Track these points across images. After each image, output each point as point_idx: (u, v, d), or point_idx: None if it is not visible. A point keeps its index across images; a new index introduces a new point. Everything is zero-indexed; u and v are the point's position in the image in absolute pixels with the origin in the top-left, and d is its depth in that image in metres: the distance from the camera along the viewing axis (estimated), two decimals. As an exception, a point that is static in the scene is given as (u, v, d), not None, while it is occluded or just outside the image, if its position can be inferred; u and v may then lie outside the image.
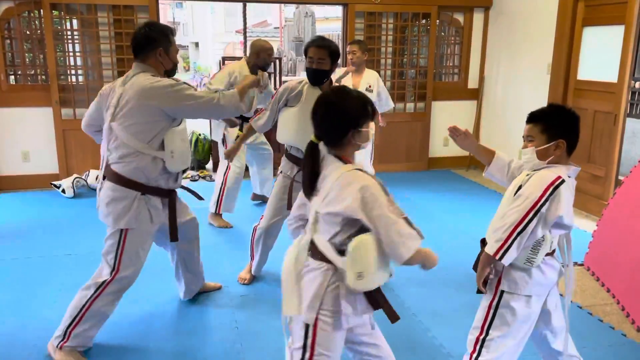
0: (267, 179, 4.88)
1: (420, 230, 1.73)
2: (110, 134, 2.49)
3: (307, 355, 1.74)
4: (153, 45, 2.52)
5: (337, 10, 6.37)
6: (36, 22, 5.28)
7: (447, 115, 6.29)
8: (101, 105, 2.59)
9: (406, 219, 1.69)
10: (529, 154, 1.95)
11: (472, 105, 6.46)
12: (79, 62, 5.48)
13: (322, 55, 2.97)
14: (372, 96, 4.77)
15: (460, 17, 6.23)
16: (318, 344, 1.74)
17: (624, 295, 3.13)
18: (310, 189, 1.83)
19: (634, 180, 3.45)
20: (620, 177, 4.52)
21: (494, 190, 5.55)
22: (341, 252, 1.72)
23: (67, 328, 2.48)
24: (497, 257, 1.88)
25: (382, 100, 4.73)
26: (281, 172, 3.18)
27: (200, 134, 6.33)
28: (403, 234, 1.67)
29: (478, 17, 6.25)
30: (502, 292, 1.99)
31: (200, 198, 2.94)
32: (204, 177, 5.97)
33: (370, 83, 4.83)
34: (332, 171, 1.76)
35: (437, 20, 6.13)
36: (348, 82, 4.98)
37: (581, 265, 3.69)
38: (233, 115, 3.64)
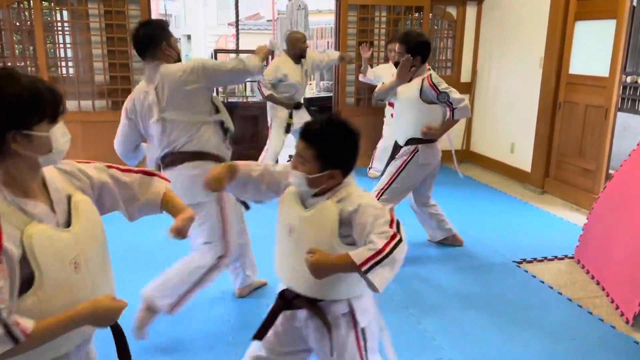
0: None
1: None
2: (166, 126, 2.61)
3: None
4: (156, 41, 2.58)
5: (330, 3, 6.34)
6: (26, 13, 5.22)
7: (440, 108, 6.29)
8: (135, 115, 2.70)
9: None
10: (298, 179, 1.62)
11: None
12: (69, 54, 5.43)
13: (399, 49, 3.39)
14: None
15: (453, 11, 6.23)
16: None
17: (613, 287, 3.16)
18: None
19: (625, 174, 3.47)
20: (610, 171, 4.55)
21: (486, 184, 5.58)
22: None
23: (183, 296, 2.61)
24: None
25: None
26: None
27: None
28: None
29: (471, 11, 6.25)
30: (363, 331, 1.74)
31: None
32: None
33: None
34: None
35: (430, 14, 6.12)
36: (386, 78, 5.02)
37: (571, 258, 3.71)
38: (259, 75, 3.94)
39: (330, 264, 1.48)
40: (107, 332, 1.42)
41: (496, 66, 6.06)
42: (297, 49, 4.80)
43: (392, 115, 5.12)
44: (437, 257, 3.73)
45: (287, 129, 4.97)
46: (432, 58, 6.39)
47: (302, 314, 1.71)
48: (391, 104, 4.61)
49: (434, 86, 3.37)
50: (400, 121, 3.60)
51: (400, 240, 1.46)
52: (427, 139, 3.48)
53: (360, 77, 5.40)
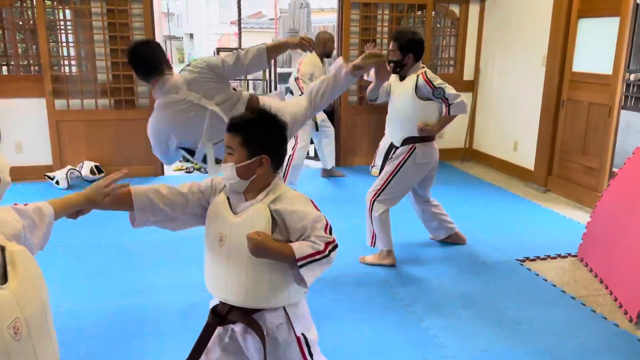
0: (331, 154, 5.56)
1: None
2: (214, 116, 2.73)
3: None
4: (159, 61, 2.72)
5: (333, 1, 6.33)
6: (29, 12, 5.23)
7: (443, 107, 6.28)
8: (174, 118, 2.76)
9: None
10: (228, 170, 1.61)
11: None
12: (72, 53, 5.44)
13: (392, 47, 3.41)
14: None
15: (456, 9, 6.21)
16: None
17: (616, 286, 3.15)
18: None
19: (628, 172, 3.46)
20: (614, 169, 4.54)
21: (489, 182, 5.57)
22: None
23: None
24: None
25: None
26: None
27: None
28: None
29: (474, 9, 6.24)
30: (304, 337, 1.69)
31: None
32: (198, 169, 5.94)
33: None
34: None
35: (433, 12, 6.11)
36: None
37: (574, 256, 3.71)
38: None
39: (271, 249, 1.51)
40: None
41: (499, 64, 6.05)
42: (326, 49, 5.19)
43: None
44: (440, 255, 3.72)
45: (316, 127, 5.31)
46: (435, 56, 6.39)
47: (238, 328, 1.67)
48: None
49: (429, 81, 3.35)
50: (395, 120, 3.56)
51: (336, 245, 1.56)
52: (424, 137, 3.45)
53: (365, 76, 5.42)
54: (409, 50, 3.37)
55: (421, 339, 2.69)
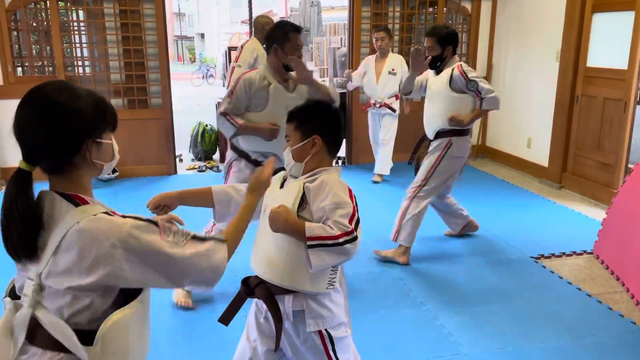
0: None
1: (217, 237, 1.32)
2: None
3: None
4: (270, 43, 2.85)
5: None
6: (42, 13, 5.28)
7: (455, 104, 6.24)
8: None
9: (195, 237, 1.26)
10: (287, 155, 1.72)
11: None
12: (85, 54, 5.49)
13: (429, 43, 3.40)
14: (397, 79, 5.06)
15: (467, 5, 6.17)
16: None
17: (633, 283, 3.11)
18: (24, 248, 1.14)
19: (644, 167, 3.41)
20: (630, 165, 4.49)
21: (502, 180, 5.53)
22: (87, 336, 1.15)
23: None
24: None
25: None
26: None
27: (207, 125, 6.33)
28: (208, 256, 1.26)
29: (486, 4, 6.19)
30: (328, 333, 1.66)
31: None
32: (211, 168, 5.97)
33: (393, 66, 5.06)
34: (60, 220, 1.15)
35: (445, 8, 6.08)
36: (370, 67, 5.10)
37: (590, 253, 3.67)
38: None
39: (285, 220, 1.53)
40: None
41: (512, 60, 6.00)
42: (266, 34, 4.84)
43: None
44: (454, 253, 3.70)
45: None
46: (447, 53, 6.35)
47: (264, 305, 1.69)
48: None
49: (463, 73, 3.39)
50: (430, 113, 3.60)
51: (355, 238, 1.52)
52: (458, 129, 3.47)
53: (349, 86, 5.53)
54: (448, 43, 3.43)
55: (435, 337, 2.68)
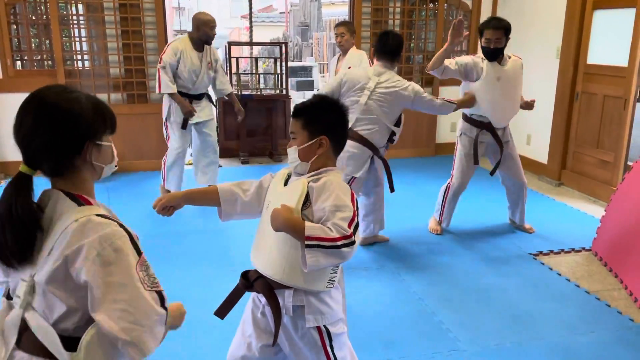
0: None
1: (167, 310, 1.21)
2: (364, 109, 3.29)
3: None
4: (399, 51, 3.35)
5: (344, -6, 6.31)
6: (42, 7, 5.26)
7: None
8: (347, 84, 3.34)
9: (159, 293, 1.19)
10: (292, 153, 1.68)
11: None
12: (84, 47, 5.47)
13: (497, 35, 3.55)
14: None
15: (468, 1, 6.15)
16: None
17: (631, 280, 3.12)
18: (20, 252, 1.15)
19: (644, 165, 3.42)
20: (629, 163, 4.49)
21: (501, 176, 5.53)
22: (72, 343, 1.15)
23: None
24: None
25: None
26: (463, 133, 3.83)
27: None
28: (150, 316, 1.15)
29: (486, 1, 6.17)
30: (326, 329, 1.66)
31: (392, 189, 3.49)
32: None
33: (351, 64, 4.55)
34: (60, 219, 1.16)
35: (445, 4, 6.07)
36: (332, 68, 4.91)
37: (589, 250, 3.68)
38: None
39: (286, 219, 1.52)
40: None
41: (512, 57, 5.98)
42: (201, 34, 4.24)
43: None
44: (453, 249, 3.71)
45: None
46: (447, 49, 6.33)
47: (264, 299, 1.69)
48: None
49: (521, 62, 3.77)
50: (506, 101, 3.73)
51: (352, 242, 1.50)
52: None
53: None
54: (509, 35, 3.62)
55: (434, 333, 2.69)
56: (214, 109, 4.67)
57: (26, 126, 1.16)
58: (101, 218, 1.16)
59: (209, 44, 4.35)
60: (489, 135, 3.76)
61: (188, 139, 4.50)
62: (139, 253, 1.17)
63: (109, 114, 1.25)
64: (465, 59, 3.66)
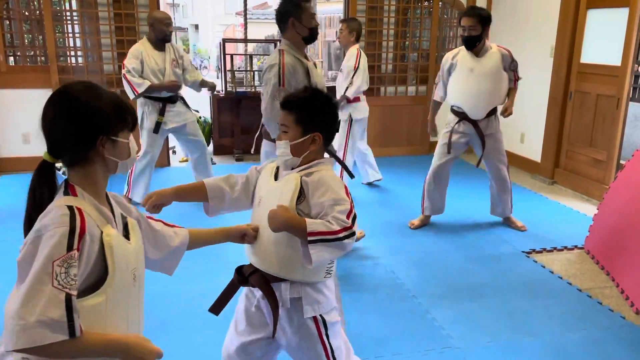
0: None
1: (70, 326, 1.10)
2: None
3: None
4: (286, 17, 2.83)
5: (339, -8, 6.31)
6: (35, 2, 5.23)
7: (449, 98, 6.25)
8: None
9: (69, 299, 1.09)
10: (282, 147, 1.66)
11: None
12: (78, 44, 5.44)
13: (471, 22, 3.55)
14: (343, 76, 4.45)
15: (463, -1, 6.17)
16: None
17: (623, 278, 3.14)
18: (25, 232, 1.24)
19: (636, 164, 3.44)
20: (621, 161, 4.51)
21: (495, 174, 5.54)
22: None
23: None
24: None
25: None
26: (447, 123, 3.89)
27: (200, 117, 6.31)
28: (20, 317, 1.06)
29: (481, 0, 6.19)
30: (322, 318, 1.68)
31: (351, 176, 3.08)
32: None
33: (346, 60, 4.46)
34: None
35: (440, 2, 6.07)
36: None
37: (581, 248, 3.70)
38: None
39: (285, 218, 1.52)
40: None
41: (506, 55, 6.00)
42: (158, 32, 4.15)
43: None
44: (446, 247, 3.72)
45: None
46: (442, 47, 6.35)
47: (258, 292, 1.70)
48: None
49: (510, 53, 3.71)
50: (479, 92, 3.72)
51: (353, 233, 1.52)
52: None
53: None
54: (487, 23, 3.60)
55: (427, 330, 2.70)
56: (194, 112, 4.51)
57: (49, 116, 1.24)
58: (63, 207, 1.17)
59: (168, 41, 4.21)
60: (470, 127, 3.80)
61: (159, 145, 4.34)
62: (71, 249, 1.12)
63: (130, 112, 1.31)
64: (441, 68, 3.85)
